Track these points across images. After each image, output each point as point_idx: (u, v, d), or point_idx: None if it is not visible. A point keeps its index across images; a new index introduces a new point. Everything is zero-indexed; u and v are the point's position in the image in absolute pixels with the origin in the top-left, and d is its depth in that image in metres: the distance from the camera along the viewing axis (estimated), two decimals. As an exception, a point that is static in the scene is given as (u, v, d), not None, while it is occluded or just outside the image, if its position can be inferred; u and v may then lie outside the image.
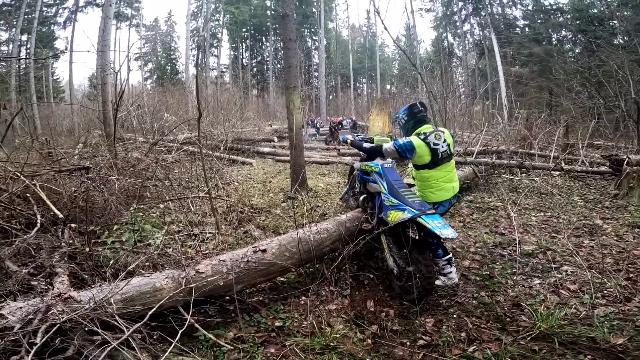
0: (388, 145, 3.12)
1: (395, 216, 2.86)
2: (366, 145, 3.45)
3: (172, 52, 40.77)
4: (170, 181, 5.89)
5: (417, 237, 3.08)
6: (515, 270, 3.40)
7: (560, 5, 22.62)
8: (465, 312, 2.78)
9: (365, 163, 3.56)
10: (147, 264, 2.65)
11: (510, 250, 3.92)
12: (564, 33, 22.98)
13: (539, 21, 23.43)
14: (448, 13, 29.56)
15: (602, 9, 19.66)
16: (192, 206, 5.06)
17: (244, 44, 41.78)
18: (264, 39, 41.89)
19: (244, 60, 41.99)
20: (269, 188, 6.70)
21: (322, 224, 3.39)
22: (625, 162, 5.97)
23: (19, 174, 3.84)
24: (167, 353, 1.73)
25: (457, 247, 4.03)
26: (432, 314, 2.75)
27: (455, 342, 2.32)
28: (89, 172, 4.98)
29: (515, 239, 4.18)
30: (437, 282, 3.08)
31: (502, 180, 7.29)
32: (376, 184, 3.28)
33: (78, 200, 3.97)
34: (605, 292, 3.00)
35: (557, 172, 7.27)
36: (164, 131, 8.09)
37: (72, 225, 3.62)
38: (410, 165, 5.62)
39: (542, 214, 5.30)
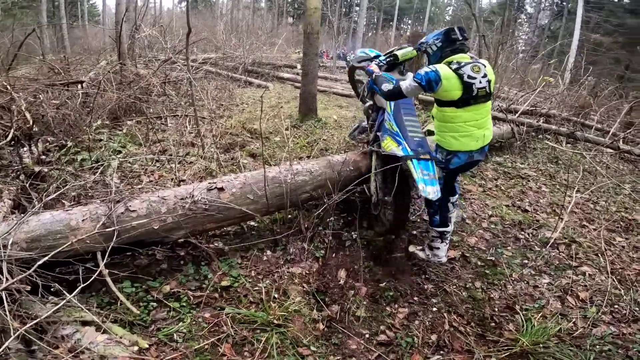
0: (407, 83, 2.40)
1: (388, 145, 2.62)
2: (385, 86, 2.58)
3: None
4: (174, 98, 5.44)
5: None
6: (527, 262, 2.87)
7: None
8: (448, 306, 2.36)
9: (380, 73, 2.86)
10: (73, 194, 2.26)
11: (529, 235, 3.34)
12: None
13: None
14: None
15: None
16: (189, 126, 4.64)
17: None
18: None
19: (283, -14, 38.92)
20: (276, 113, 6.13)
21: (306, 162, 2.85)
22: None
23: (7, 86, 3.47)
24: (49, 312, 1.41)
25: (468, 217, 3.48)
26: (410, 302, 2.34)
27: (420, 345, 1.93)
28: (82, 86, 4.60)
29: (538, 221, 3.62)
30: (420, 255, 2.71)
31: (542, 146, 6.35)
32: (385, 115, 2.89)
33: (60, 114, 3.60)
34: (616, 306, 2.49)
35: (611, 150, 6.22)
36: (180, 50, 7.47)
37: (49, 138, 3.29)
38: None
39: (578, 194, 4.54)
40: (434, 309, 2.33)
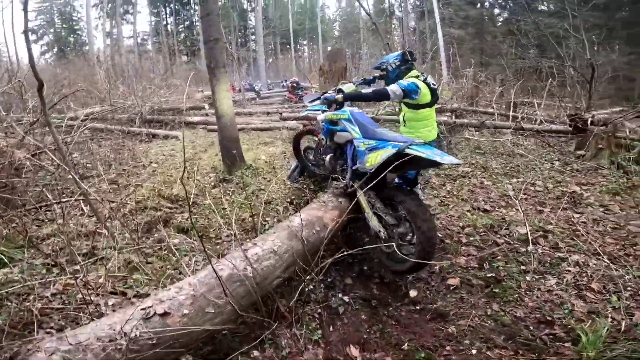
0: (393, 88, 2.90)
1: (375, 158, 2.47)
2: (366, 90, 3.04)
3: (74, 23, 34.55)
4: (55, 173, 4.27)
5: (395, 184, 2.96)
6: (525, 268, 2.67)
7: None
8: (486, 342, 2.00)
9: (332, 112, 3.09)
10: None
11: (505, 236, 3.20)
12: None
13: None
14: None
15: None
16: (86, 208, 3.61)
17: (167, 8, 36.82)
18: (192, 2, 37.01)
19: (169, 27, 37.45)
20: (197, 168, 5.30)
21: (265, 239, 2.21)
22: (590, 121, 5.62)
23: None
24: None
25: (444, 236, 3.24)
26: (446, 356, 1.91)
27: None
28: None
29: (504, 219, 3.54)
30: None
31: (461, 139, 6.68)
32: (346, 132, 2.91)
33: None
34: (628, 287, 2.44)
35: (509, 131, 6.83)
36: (51, 108, 6.01)
37: None
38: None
39: (514, 179, 4.73)
40: (474, 351, 1.96)
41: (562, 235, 3.17)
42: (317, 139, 3.50)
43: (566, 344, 1.93)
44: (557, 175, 4.83)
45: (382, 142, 2.51)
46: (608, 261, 2.68)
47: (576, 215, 3.59)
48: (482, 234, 3.27)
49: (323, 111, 3.22)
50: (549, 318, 2.14)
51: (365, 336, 2.08)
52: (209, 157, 5.77)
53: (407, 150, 2.25)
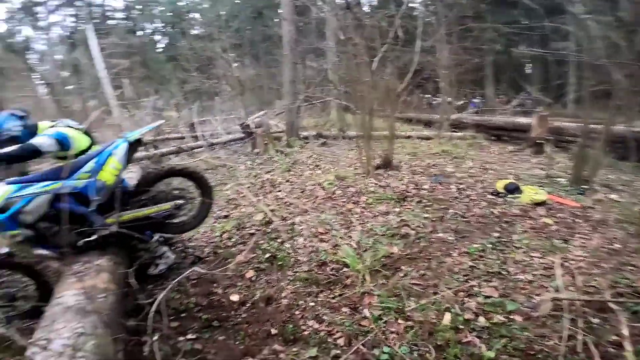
0: (42, 140, 2.45)
1: (112, 167, 2.58)
2: (10, 149, 2.38)
3: None
4: None
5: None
6: (280, 240, 3.54)
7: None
8: (316, 297, 2.66)
9: None
10: None
11: (254, 226, 3.97)
12: (156, 25, 25.14)
13: (136, 13, 23.92)
14: (29, 3, 21.75)
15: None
16: None
17: None
18: None
19: None
20: None
21: (47, 338, 1.71)
22: (254, 126, 7.55)
23: None
24: None
25: (214, 248, 3.60)
26: (313, 320, 2.40)
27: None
28: None
29: (241, 216, 4.30)
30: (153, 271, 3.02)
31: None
32: (36, 197, 2.39)
33: None
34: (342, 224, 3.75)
35: (204, 149, 7.98)
36: None
37: None
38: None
39: (228, 185, 5.72)
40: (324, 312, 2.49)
41: (281, 209, 4.38)
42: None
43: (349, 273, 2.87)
44: (253, 172, 6.27)
45: (99, 155, 2.59)
46: (315, 212, 4.12)
47: (279, 193, 5.00)
48: (237, 233, 3.86)
49: None
50: (324, 260, 3.08)
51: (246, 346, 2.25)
52: None
53: (130, 138, 2.69)
